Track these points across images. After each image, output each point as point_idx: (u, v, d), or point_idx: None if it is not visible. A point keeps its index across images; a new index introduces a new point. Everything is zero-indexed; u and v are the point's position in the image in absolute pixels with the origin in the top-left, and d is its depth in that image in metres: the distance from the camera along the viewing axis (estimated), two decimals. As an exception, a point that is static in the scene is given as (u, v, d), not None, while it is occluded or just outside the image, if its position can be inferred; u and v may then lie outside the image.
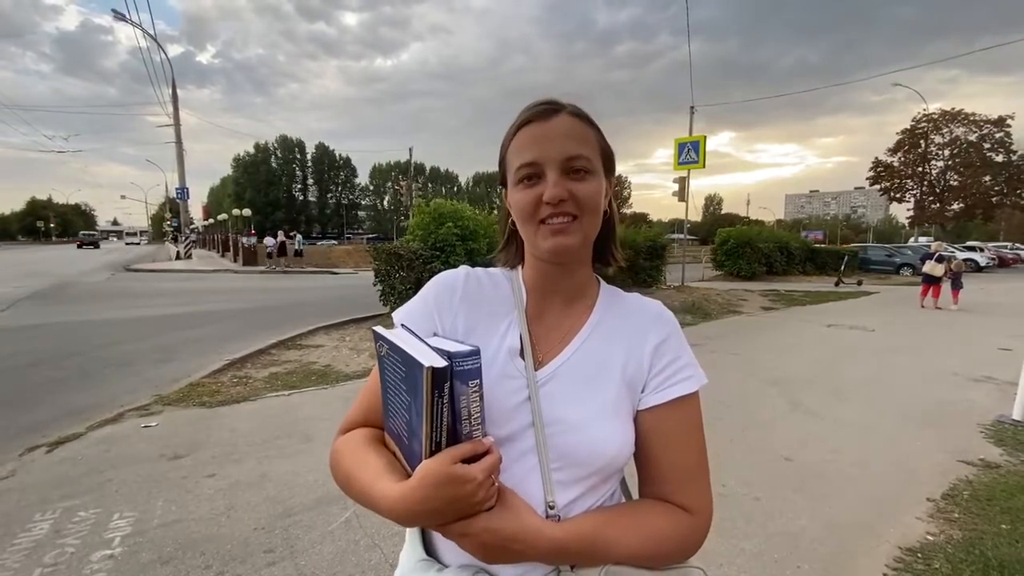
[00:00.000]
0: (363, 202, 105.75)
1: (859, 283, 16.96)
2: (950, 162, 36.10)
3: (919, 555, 2.34)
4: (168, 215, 44.08)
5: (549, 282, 0.76)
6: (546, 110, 0.70)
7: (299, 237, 24.92)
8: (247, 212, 38.20)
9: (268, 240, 23.23)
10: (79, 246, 50.71)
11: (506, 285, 0.79)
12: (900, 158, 37.58)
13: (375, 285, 8.07)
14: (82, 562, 2.24)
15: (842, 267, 18.27)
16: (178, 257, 26.60)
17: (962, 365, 5.93)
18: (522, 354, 0.72)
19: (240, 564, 2.25)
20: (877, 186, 40.01)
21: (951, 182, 36.19)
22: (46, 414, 4.13)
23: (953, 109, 35.81)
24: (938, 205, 36.53)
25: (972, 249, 27.53)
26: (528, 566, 0.65)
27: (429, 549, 0.73)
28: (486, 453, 0.58)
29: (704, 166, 13.01)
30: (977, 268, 23.71)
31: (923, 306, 11.21)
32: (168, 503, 2.75)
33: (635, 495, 0.76)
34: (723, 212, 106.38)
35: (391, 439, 0.69)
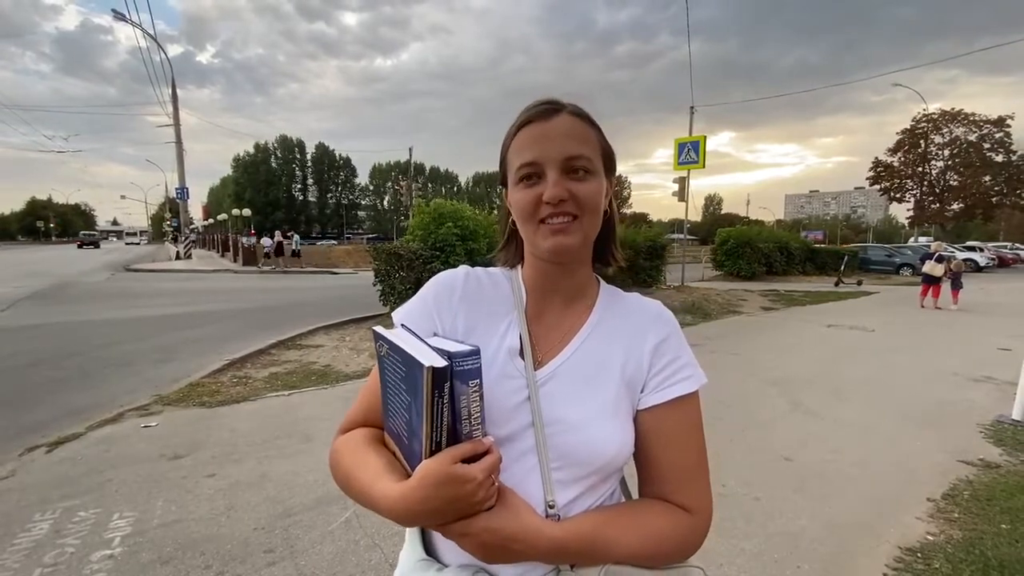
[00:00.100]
0: (363, 202, 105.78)
1: (859, 283, 16.96)
2: (950, 162, 36.10)
3: (919, 555, 2.34)
4: (168, 215, 44.07)
5: (549, 282, 0.76)
6: (547, 110, 0.70)
7: (296, 237, 24.87)
8: (247, 212, 38.15)
9: (265, 240, 23.21)
10: (79, 246, 50.75)
11: (506, 285, 0.79)
12: (900, 158, 37.58)
13: (375, 285, 8.07)
14: (82, 562, 2.24)
15: (842, 267, 18.26)
16: (178, 257, 26.60)
17: (962, 365, 5.93)
18: (522, 354, 0.72)
19: (240, 564, 2.25)
20: (877, 186, 40.00)
21: (951, 182, 36.18)
22: (46, 414, 4.13)
23: (953, 109, 35.84)
24: (938, 205, 36.52)
25: (972, 249, 27.52)
26: (528, 566, 0.65)
27: (429, 549, 0.73)
28: (486, 453, 0.59)
29: (704, 166, 13.01)
30: (977, 268, 23.70)
31: (923, 306, 11.21)
32: (168, 503, 2.75)
33: (635, 495, 0.76)
34: (723, 212, 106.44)
35: (391, 439, 0.69)
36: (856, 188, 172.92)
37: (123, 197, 72.17)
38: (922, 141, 36.16)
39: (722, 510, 2.65)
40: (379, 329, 0.66)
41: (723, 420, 4.08)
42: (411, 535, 0.75)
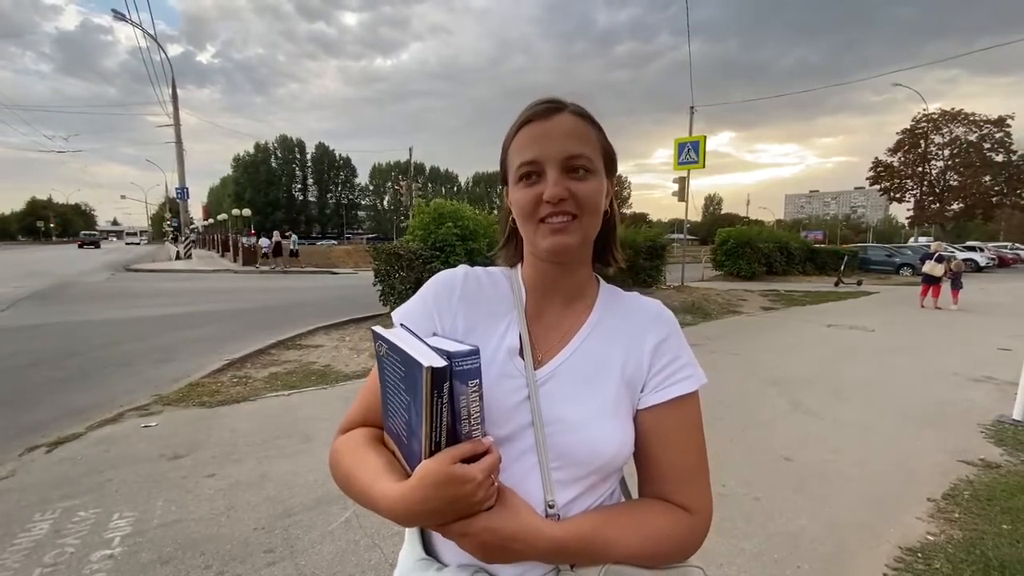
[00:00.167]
0: (363, 202, 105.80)
1: (859, 283, 16.96)
2: (950, 162, 36.10)
3: (919, 555, 2.34)
4: (168, 215, 44.06)
5: (548, 281, 0.76)
6: (548, 109, 0.70)
7: (294, 237, 24.86)
8: (247, 212, 38.18)
9: (263, 241, 23.18)
10: (80, 246, 50.80)
11: (505, 284, 0.79)
12: (900, 158, 37.57)
13: (375, 285, 8.07)
14: (82, 562, 2.24)
15: (842, 267, 18.27)
16: (178, 257, 26.60)
17: (962, 365, 5.93)
18: (521, 353, 0.72)
19: (240, 564, 2.25)
20: (877, 186, 40.00)
21: (951, 182, 36.18)
22: (46, 414, 4.13)
23: (953, 109, 35.83)
24: (938, 205, 36.52)
25: (972, 249, 27.52)
26: (527, 565, 0.65)
27: (428, 548, 0.73)
28: (485, 453, 0.58)
29: (704, 166, 13.01)
30: (977, 268, 23.71)
31: (923, 306, 11.21)
32: (168, 503, 2.75)
33: (635, 494, 0.76)
34: (723, 212, 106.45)
35: (391, 439, 0.69)
36: (856, 188, 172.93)
37: (123, 197, 72.23)
38: (922, 141, 36.15)
39: (722, 510, 2.65)
40: (378, 329, 0.66)
41: (723, 420, 4.08)
42: (411, 535, 0.75)
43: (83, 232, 65.46)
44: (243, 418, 4.07)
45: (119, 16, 21.07)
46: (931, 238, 26.89)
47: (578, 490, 0.68)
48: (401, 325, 0.70)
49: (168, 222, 43.30)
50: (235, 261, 24.46)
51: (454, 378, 0.56)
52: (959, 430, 3.93)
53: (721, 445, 3.56)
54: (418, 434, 0.57)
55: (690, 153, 13.00)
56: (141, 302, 10.79)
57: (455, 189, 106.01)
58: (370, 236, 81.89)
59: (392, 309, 1.65)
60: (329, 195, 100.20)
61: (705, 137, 13.20)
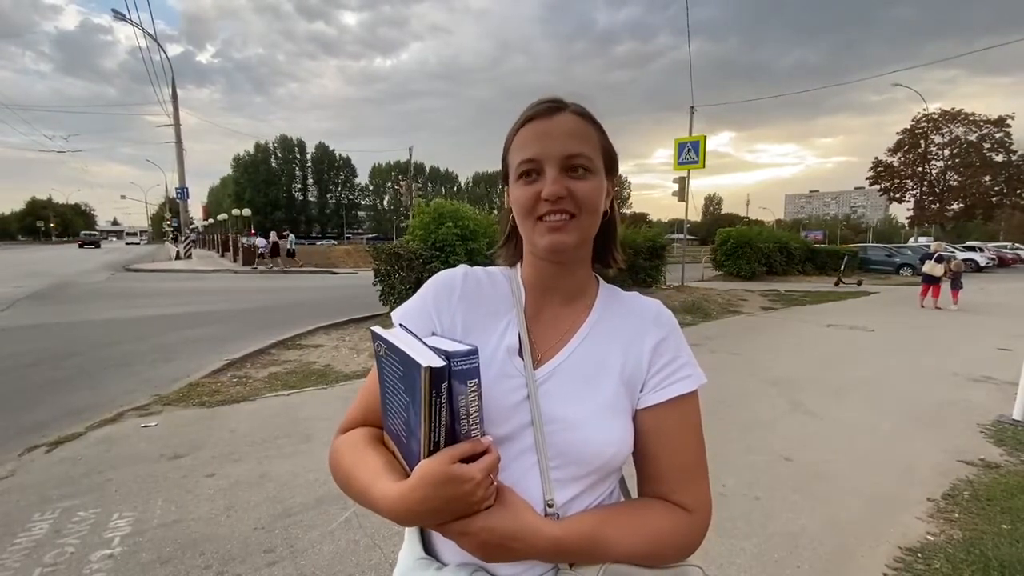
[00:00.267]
0: (363, 202, 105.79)
1: (859, 283, 16.96)
2: (950, 162, 36.11)
3: (919, 555, 2.34)
4: (168, 215, 44.05)
5: (548, 281, 0.76)
6: (549, 108, 0.70)
7: (292, 237, 24.84)
8: (247, 212, 38.19)
9: (259, 241, 23.15)
10: (80, 245, 50.83)
11: (505, 284, 0.79)
12: (900, 158, 37.58)
13: (375, 285, 8.07)
14: (82, 562, 2.24)
15: (842, 267, 18.27)
16: (178, 257, 26.59)
17: (962, 365, 5.93)
18: (521, 353, 0.72)
19: (240, 564, 2.25)
20: (877, 186, 40.00)
21: (951, 182, 36.19)
22: (46, 414, 4.13)
23: (953, 109, 35.85)
24: (938, 205, 36.53)
25: (972, 249, 27.52)
26: (527, 564, 0.65)
27: (428, 548, 0.73)
28: (485, 452, 0.58)
29: (704, 166, 13.01)
30: (977, 268, 23.72)
31: (923, 306, 11.21)
32: (168, 503, 2.75)
33: (635, 494, 0.76)
34: (723, 212, 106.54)
35: (390, 439, 0.69)
36: (856, 188, 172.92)
37: (123, 197, 72.07)
38: (922, 141, 36.16)
39: (722, 510, 2.65)
40: (377, 329, 0.66)
41: (723, 420, 4.08)
42: (410, 534, 0.75)
43: (83, 232, 65.44)
44: (243, 418, 4.07)
45: (119, 16, 21.07)
46: (931, 238, 26.89)
47: (577, 489, 0.68)
48: (400, 325, 0.70)
49: (168, 222, 43.29)
50: (235, 261, 24.46)
51: (453, 378, 0.56)
52: (959, 430, 3.93)
53: (721, 445, 3.56)
54: (417, 434, 0.57)
55: (690, 153, 13.01)
56: (141, 302, 10.79)
57: (455, 189, 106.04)
58: (370, 236, 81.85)
59: (392, 309, 1.65)
60: (329, 195, 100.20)
61: (705, 137, 13.20)
